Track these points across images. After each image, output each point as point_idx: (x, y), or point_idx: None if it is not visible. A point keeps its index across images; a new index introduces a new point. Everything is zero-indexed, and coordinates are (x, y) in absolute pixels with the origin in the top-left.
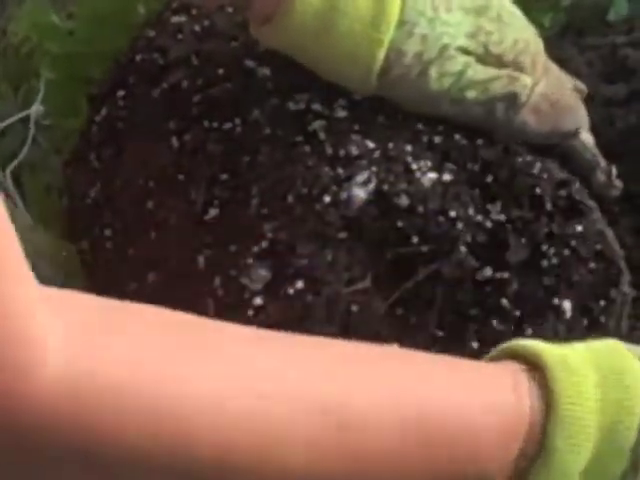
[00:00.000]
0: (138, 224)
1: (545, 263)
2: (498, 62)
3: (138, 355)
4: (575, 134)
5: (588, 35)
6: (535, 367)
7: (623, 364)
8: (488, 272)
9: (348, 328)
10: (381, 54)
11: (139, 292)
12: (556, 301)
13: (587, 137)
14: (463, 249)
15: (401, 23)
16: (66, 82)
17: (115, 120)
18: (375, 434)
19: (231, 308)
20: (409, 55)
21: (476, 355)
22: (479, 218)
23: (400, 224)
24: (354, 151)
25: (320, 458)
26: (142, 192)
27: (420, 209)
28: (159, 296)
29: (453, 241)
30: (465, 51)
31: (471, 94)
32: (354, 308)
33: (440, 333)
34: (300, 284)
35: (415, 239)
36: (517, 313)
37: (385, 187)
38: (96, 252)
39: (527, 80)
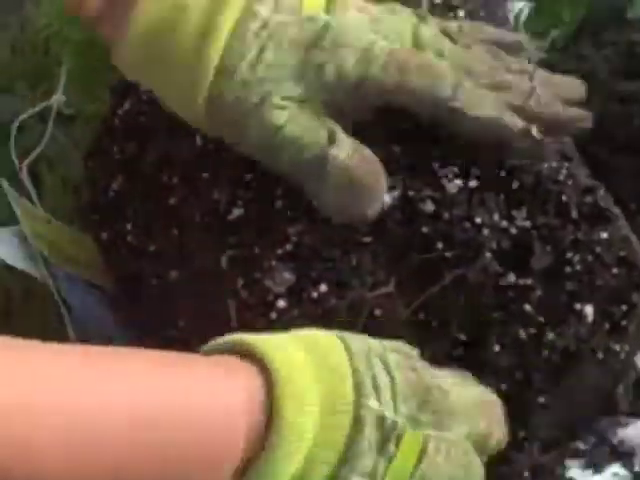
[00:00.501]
0: (160, 220)
1: (569, 269)
2: (340, 89)
3: None
4: None
5: (605, 31)
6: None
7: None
8: (512, 278)
9: (370, 332)
10: (201, 99)
11: (161, 288)
12: (578, 306)
13: None
14: (488, 255)
15: (221, 68)
16: (88, 70)
17: (138, 114)
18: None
19: (254, 309)
20: (229, 101)
21: (497, 359)
22: (504, 224)
23: (425, 230)
24: (379, 156)
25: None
26: (165, 188)
27: (446, 215)
28: (181, 294)
29: (478, 247)
30: (291, 99)
31: (286, 152)
32: (377, 312)
33: (462, 337)
34: (324, 287)
35: (440, 245)
36: (540, 319)
37: (411, 193)
38: (117, 245)
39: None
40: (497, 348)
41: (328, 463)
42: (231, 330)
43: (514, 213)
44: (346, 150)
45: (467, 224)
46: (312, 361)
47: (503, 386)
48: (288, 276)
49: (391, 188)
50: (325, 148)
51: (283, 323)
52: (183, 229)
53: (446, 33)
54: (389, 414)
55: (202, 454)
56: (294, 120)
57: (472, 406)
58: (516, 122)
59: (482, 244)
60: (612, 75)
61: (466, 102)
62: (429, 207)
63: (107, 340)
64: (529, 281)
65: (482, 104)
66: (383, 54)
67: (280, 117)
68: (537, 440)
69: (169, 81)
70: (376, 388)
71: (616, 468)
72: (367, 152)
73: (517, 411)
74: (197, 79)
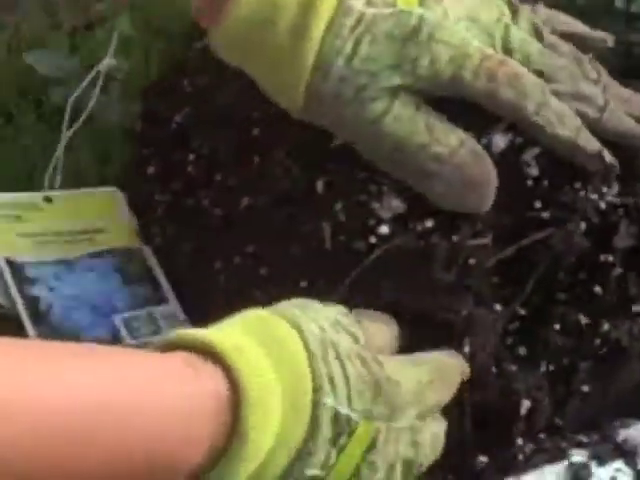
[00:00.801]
0: (239, 150)
1: None
2: (433, 83)
3: None
4: None
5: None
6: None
7: (277, 332)
8: (594, 250)
9: (461, 279)
10: (299, 96)
11: (226, 217)
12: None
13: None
14: (579, 222)
15: (317, 65)
16: (142, 36)
17: None
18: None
19: (352, 232)
20: (327, 97)
21: (554, 339)
22: (594, 197)
23: (529, 185)
24: None
25: None
26: (246, 120)
27: (548, 179)
28: (256, 220)
29: (572, 212)
30: (387, 90)
31: (384, 145)
32: (471, 261)
33: (522, 312)
34: (430, 223)
35: (538, 204)
36: (604, 305)
37: (519, 140)
38: (171, 177)
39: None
40: (557, 327)
41: (284, 461)
42: (323, 253)
43: (604, 189)
44: (450, 146)
45: (567, 188)
46: (272, 361)
47: (550, 367)
48: (398, 204)
49: (506, 131)
50: (427, 145)
51: (382, 250)
52: (265, 157)
53: (534, 28)
54: (344, 410)
55: (161, 450)
56: (391, 112)
57: (423, 385)
58: (591, 145)
59: (576, 210)
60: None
61: (548, 119)
62: (533, 170)
63: None
64: (610, 258)
65: (562, 122)
66: (476, 56)
67: (376, 109)
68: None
69: (266, 75)
70: (332, 384)
71: (619, 464)
72: (472, 144)
73: (557, 394)
74: (293, 77)
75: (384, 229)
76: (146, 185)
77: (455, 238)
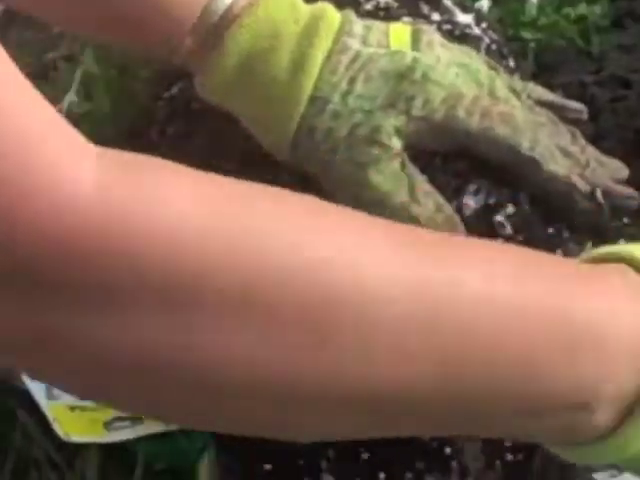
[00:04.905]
0: None
1: None
2: (426, 123)
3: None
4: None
5: (560, 74)
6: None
7: None
8: None
9: None
10: (291, 128)
11: None
12: None
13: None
14: None
15: (313, 99)
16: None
17: (190, 100)
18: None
19: None
20: (319, 132)
21: None
22: None
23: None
24: None
25: None
26: (218, 170)
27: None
28: None
29: None
30: (378, 130)
31: (367, 196)
32: None
33: None
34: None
35: None
36: None
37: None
38: None
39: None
40: None
41: None
42: None
43: None
44: (429, 209)
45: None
46: None
47: None
48: None
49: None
50: (407, 205)
51: None
52: None
53: (512, 89)
54: None
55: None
56: (379, 164)
57: None
58: (582, 184)
59: None
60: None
61: (543, 155)
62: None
63: None
64: None
65: (554, 160)
66: (469, 96)
67: (366, 154)
68: None
69: (258, 109)
70: None
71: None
72: (449, 211)
73: None
74: (289, 109)
75: None
76: None
77: None
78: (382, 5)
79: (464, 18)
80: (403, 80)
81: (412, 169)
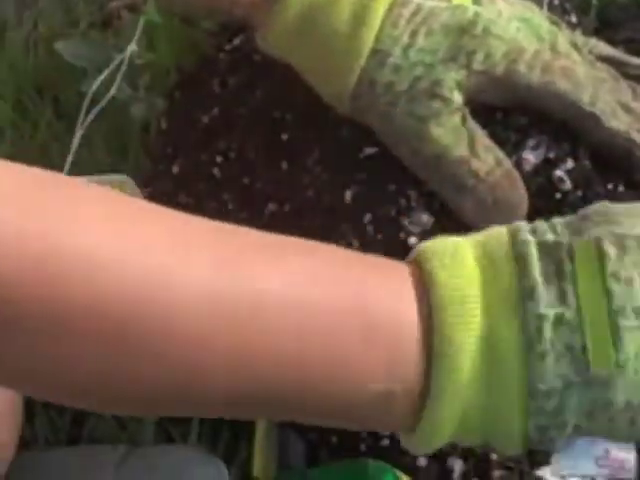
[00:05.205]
0: (268, 154)
1: None
2: (487, 77)
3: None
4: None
5: (622, 30)
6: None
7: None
8: None
9: None
10: (351, 81)
11: (251, 222)
12: None
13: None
14: None
15: (374, 52)
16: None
17: (252, 51)
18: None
19: (382, 244)
20: (380, 85)
21: None
22: None
23: (559, 197)
24: None
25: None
26: (277, 124)
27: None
28: (278, 227)
29: None
30: (439, 83)
31: (427, 149)
32: None
33: None
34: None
35: None
36: None
37: (551, 155)
38: (196, 178)
39: (479, 165)
40: None
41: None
42: None
43: None
44: (488, 164)
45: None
46: None
47: None
48: (426, 218)
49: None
50: (467, 159)
51: None
52: (294, 163)
53: (574, 44)
54: (550, 237)
55: (376, 354)
56: (439, 117)
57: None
58: None
59: None
60: None
61: (603, 110)
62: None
63: None
64: None
65: (615, 115)
66: (530, 50)
67: (426, 108)
68: None
69: (319, 61)
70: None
71: None
72: (508, 166)
73: None
74: (350, 62)
75: (412, 240)
76: (169, 184)
77: None
78: None
79: None
80: (464, 34)
81: (472, 123)
